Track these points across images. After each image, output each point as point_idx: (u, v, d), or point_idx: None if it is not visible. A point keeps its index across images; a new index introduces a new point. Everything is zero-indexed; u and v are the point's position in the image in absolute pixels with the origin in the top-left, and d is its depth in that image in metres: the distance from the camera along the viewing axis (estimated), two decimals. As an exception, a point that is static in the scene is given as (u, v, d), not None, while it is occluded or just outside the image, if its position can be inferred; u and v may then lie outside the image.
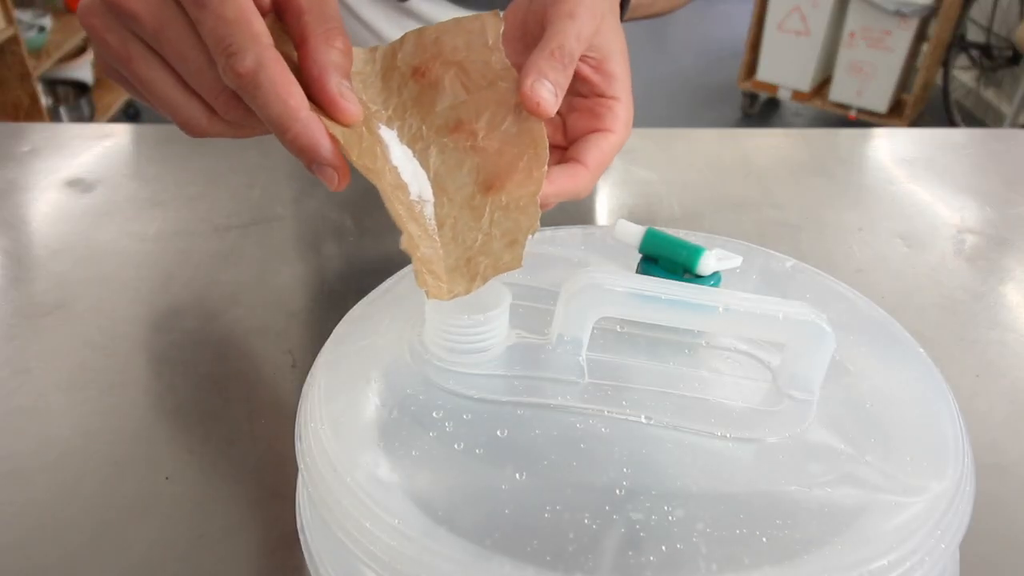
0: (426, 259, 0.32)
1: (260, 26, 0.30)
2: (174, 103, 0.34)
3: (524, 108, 0.34)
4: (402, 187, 0.34)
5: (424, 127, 0.35)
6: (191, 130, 0.35)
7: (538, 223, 0.32)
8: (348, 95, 0.32)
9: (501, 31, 0.35)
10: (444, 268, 0.32)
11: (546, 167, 0.33)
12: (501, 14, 0.36)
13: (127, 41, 0.32)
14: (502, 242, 0.32)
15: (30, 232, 0.63)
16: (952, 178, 0.74)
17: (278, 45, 0.31)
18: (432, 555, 0.27)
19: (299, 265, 0.59)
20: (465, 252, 0.32)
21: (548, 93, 0.34)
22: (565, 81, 0.35)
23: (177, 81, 0.33)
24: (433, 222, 0.34)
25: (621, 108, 0.38)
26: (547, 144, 0.34)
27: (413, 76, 0.35)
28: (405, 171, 0.34)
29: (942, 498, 0.30)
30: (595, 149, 0.37)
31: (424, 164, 0.35)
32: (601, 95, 0.38)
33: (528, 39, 0.38)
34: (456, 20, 0.36)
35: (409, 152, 0.35)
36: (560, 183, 0.36)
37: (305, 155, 0.31)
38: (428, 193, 0.34)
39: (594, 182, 0.38)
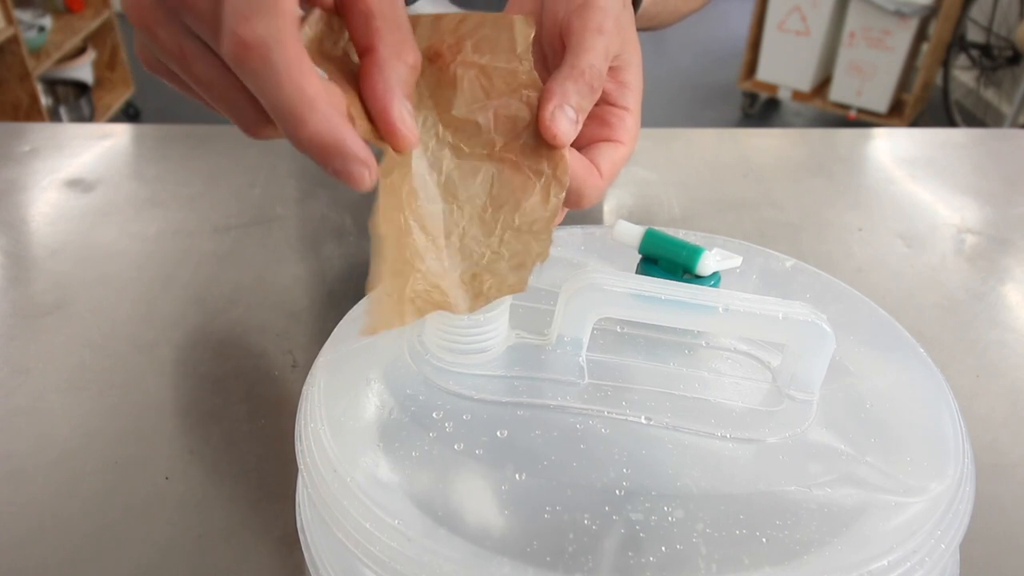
0: (430, 272, 0.31)
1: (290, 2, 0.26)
2: (235, 103, 0.30)
3: (541, 135, 0.32)
4: (414, 193, 0.32)
5: (440, 125, 0.33)
6: (252, 132, 0.32)
7: (549, 251, 0.31)
8: (409, 122, 0.29)
9: (532, 38, 0.33)
10: (449, 281, 0.31)
11: (564, 194, 0.32)
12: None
13: (181, 37, 0.29)
14: (510, 264, 0.31)
15: (30, 232, 0.63)
16: (952, 178, 0.74)
17: (326, 48, 0.29)
18: (432, 555, 0.27)
19: (299, 265, 0.59)
20: (471, 267, 0.31)
21: (568, 123, 0.32)
22: (590, 105, 0.33)
23: (238, 82, 0.29)
24: (441, 228, 0.32)
25: (631, 119, 0.37)
26: (568, 168, 0.32)
27: (430, 61, 0.33)
28: (418, 169, 0.32)
29: (942, 498, 0.30)
30: (607, 160, 0.35)
31: (436, 165, 0.33)
32: (612, 104, 0.36)
33: (538, 41, 0.37)
34: (482, 16, 0.33)
35: (420, 147, 0.32)
36: (576, 172, 0.33)
37: (327, 153, 0.27)
38: (438, 197, 0.32)
39: (605, 191, 0.36)
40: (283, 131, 0.28)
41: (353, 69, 0.30)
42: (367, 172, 0.28)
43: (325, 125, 0.26)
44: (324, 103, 0.27)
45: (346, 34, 0.31)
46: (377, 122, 0.29)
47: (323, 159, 0.27)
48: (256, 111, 0.30)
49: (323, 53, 0.30)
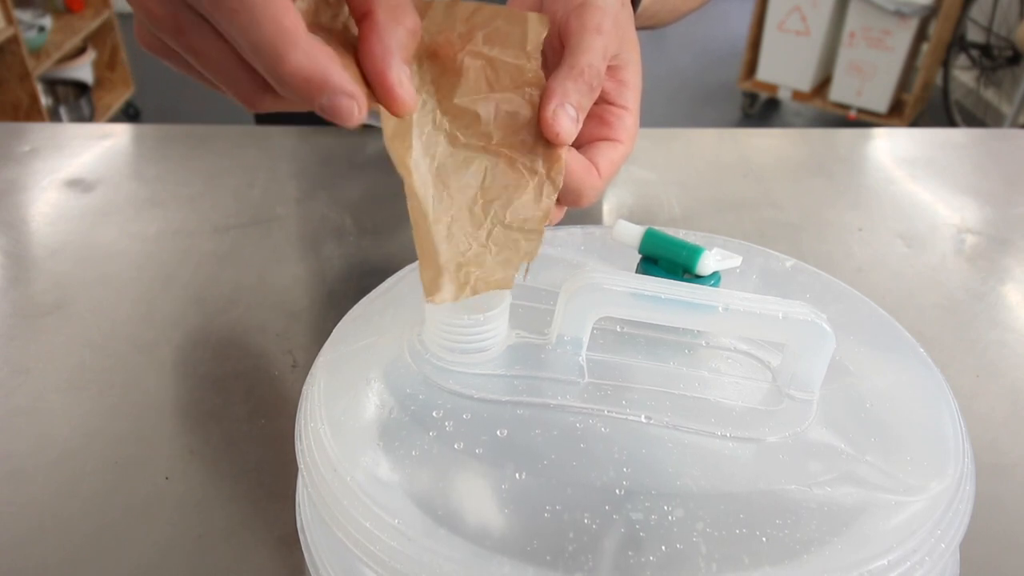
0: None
1: None
2: (233, 76, 0.30)
3: (542, 133, 0.32)
4: (411, 174, 0.32)
5: (438, 111, 0.33)
6: (251, 104, 0.32)
7: (538, 251, 0.31)
8: (407, 85, 0.29)
9: (543, 37, 0.33)
10: (436, 267, 0.31)
11: (556, 195, 0.32)
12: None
13: (177, 10, 0.29)
14: (497, 259, 0.31)
15: (30, 232, 0.63)
16: (952, 178, 0.74)
17: (323, 20, 0.29)
18: (432, 555, 0.27)
19: (299, 265, 0.59)
20: (456, 257, 0.31)
21: (569, 122, 0.32)
22: (589, 103, 0.33)
23: (234, 52, 0.29)
24: (431, 214, 0.32)
25: (630, 118, 0.37)
26: (563, 170, 0.32)
27: (435, 54, 0.33)
28: (414, 151, 0.32)
29: (942, 498, 0.30)
30: (605, 158, 0.35)
31: (429, 150, 0.32)
32: (611, 103, 0.36)
33: None
34: (496, 9, 0.33)
35: (416, 131, 0.32)
36: (574, 171, 0.33)
37: (312, 88, 0.27)
38: (430, 183, 0.32)
39: (603, 190, 0.36)
40: (265, 72, 0.27)
41: (352, 42, 0.30)
42: (355, 106, 0.27)
43: (307, 58, 0.26)
44: (305, 37, 0.26)
45: (345, 8, 0.31)
46: (374, 86, 0.29)
47: (308, 95, 0.27)
48: (253, 79, 0.30)
49: (320, 25, 0.30)
